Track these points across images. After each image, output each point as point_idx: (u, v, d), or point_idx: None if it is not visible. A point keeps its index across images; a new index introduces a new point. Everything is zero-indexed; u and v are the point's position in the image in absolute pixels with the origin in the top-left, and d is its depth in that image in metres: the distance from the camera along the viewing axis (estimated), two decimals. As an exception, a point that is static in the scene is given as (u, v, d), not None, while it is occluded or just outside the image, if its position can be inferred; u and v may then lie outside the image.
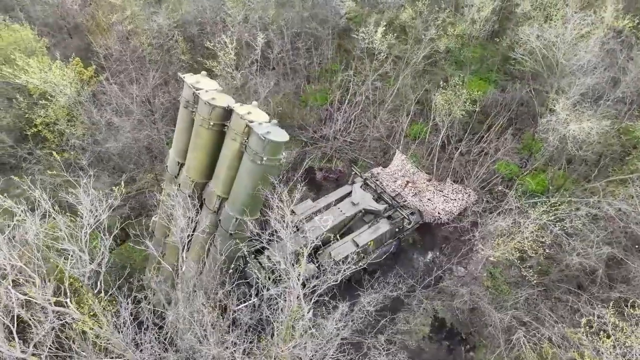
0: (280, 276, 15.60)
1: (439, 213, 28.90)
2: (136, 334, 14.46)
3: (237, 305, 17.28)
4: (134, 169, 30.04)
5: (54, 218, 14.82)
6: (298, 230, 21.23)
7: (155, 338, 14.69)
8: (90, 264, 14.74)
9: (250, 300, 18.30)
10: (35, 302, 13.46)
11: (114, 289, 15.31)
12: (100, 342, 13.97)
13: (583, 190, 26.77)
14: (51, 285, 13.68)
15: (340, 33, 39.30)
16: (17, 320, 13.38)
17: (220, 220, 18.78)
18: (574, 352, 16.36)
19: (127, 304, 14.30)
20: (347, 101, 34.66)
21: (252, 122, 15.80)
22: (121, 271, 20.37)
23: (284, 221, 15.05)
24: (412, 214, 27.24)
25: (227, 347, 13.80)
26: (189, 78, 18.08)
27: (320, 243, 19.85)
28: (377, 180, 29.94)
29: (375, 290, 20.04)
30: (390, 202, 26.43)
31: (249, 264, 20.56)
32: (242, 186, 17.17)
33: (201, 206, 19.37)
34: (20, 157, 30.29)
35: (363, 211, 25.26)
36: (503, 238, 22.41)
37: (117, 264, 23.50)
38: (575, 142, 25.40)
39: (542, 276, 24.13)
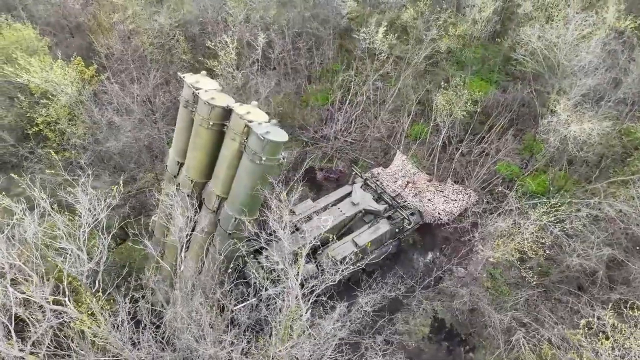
0: (278, 276, 15.60)
1: (439, 213, 28.86)
2: (133, 333, 14.47)
3: (236, 305, 17.27)
4: (135, 169, 30.08)
5: (52, 217, 14.85)
6: (297, 230, 21.25)
7: (153, 337, 14.70)
8: (89, 262, 14.75)
9: (248, 300, 18.28)
10: (34, 301, 13.49)
11: (112, 288, 15.33)
12: (99, 341, 13.99)
13: (584, 192, 26.70)
14: (49, 284, 13.71)
15: (342, 33, 39.29)
16: (15, 319, 13.43)
17: (219, 220, 18.79)
18: (573, 353, 16.33)
19: (125, 303, 14.31)
20: (348, 101, 34.65)
21: (251, 122, 15.79)
22: (121, 270, 20.42)
23: (282, 221, 15.03)
24: (412, 214, 27.21)
25: (224, 347, 13.79)
26: (189, 78, 18.08)
27: (319, 243, 19.83)
28: (377, 180, 29.93)
29: (373, 290, 20.01)
30: (390, 203, 26.41)
31: (248, 264, 20.56)
32: (241, 186, 17.17)
33: (200, 206, 19.38)
34: (22, 156, 30.39)
35: (363, 211, 25.25)
36: (503, 239, 22.38)
37: (117, 263, 23.54)
38: (576, 143, 25.35)
39: (542, 277, 24.10)
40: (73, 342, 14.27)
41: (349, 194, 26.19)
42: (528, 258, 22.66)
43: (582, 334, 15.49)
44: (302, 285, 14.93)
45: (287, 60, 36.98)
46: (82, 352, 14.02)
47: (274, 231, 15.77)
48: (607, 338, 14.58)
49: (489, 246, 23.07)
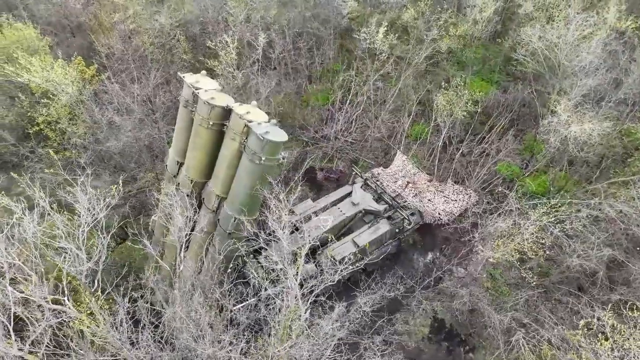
0: (278, 276, 15.59)
1: (439, 214, 28.84)
2: (132, 333, 14.48)
3: (235, 305, 17.27)
4: (135, 168, 30.10)
5: (52, 216, 14.86)
6: (297, 230, 21.23)
7: (151, 337, 14.70)
8: (88, 262, 14.76)
9: (248, 299, 18.27)
10: (33, 300, 13.50)
11: (111, 288, 15.33)
12: (98, 341, 14.00)
13: (584, 192, 26.67)
14: (48, 284, 13.73)
15: (342, 33, 39.29)
16: (15, 319, 13.44)
17: (219, 219, 18.79)
18: (573, 354, 16.30)
19: (124, 302, 14.31)
20: (348, 101, 34.65)
21: (250, 121, 15.79)
22: (121, 270, 20.43)
23: (281, 221, 15.02)
24: (412, 214, 27.18)
25: (223, 347, 13.80)
26: (189, 77, 18.09)
27: (318, 243, 19.82)
28: (377, 180, 29.91)
29: (372, 290, 19.99)
30: (390, 203, 26.39)
31: (247, 264, 20.56)
32: (240, 186, 17.17)
33: (200, 206, 19.38)
34: (23, 156, 30.42)
35: (363, 211, 25.23)
36: (503, 239, 22.35)
37: (118, 263, 23.56)
38: (576, 143, 25.32)
39: (542, 278, 24.07)
40: (72, 342, 14.28)
41: (349, 194, 26.18)
42: (528, 258, 22.64)
43: (581, 335, 15.46)
44: (301, 285, 14.92)
45: (288, 60, 36.99)
46: (81, 351, 14.02)
47: (274, 231, 15.77)
48: (606, 339, 14.55)
49: (489, 246, 23.05)
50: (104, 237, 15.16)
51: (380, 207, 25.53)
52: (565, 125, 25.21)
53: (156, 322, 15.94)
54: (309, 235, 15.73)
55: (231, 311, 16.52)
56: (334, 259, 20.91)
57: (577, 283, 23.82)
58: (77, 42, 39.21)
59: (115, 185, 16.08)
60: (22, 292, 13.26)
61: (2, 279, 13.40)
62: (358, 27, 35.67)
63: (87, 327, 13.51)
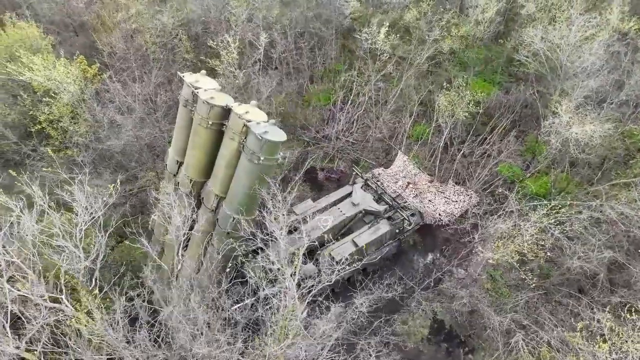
0: (276, 276, 15.57)
1: (439, 214, 28.77)
2: (129, 331, 14.49)
3: (233, 304, 17.26)
4: (136, 167, 30.15)
5: (50, 215, 14.89)
6: (296, 230, 21.22)
7: (148, 336, 14.71)
8: (85, 260, 14.78)
9: (245, 299, 18.27)
10: (30, 298, 13.53)
11: (108, 286, 15.35)
12: (95, 339, 14.01)
13: (586, 194, 26.55)
14: (45, 282, 13.75)
15: (344, 33, 39.27)
16: (13, 317, 13.47)
17: (217, 219, 18.80)
18: (572, 356, 16.24)
19: (121, 301, 14.33)
20: (350, 101, 34.62)
21: (249, 121, 15.79)
22: (119, 268, 20.45)
23: (279, 222, 15.01)
24: (412, 215, 27.12)
25: (219, 346, 13.79)
26: (189, 77, 18.13)
27: (317, 243, 19.81)
28: (378, 180, 29.86)
29: (370, 291, 19.95)
30: (390, 203, 26.34)
31: (245, 264, 20.54)
32: (239, 185, 17.18)
33: (199, 205, 19.40)
34: (24, 154, 30.49)
35: (363, 212, 25.18)
36: (503, 240, 22.27)
37: (117, 262, 23.57)
38: (578, 145, 25.21)
39: (542, 279, 23.98)
40: (70, 340, 14.30)
41: (349, 194, 26.15)
42: (528, 260, 22.53)
43: (580, 337, 15.38)
44: (299, 286, 14.91)
45: (289, 60, 36.98)
46: (79, 349, 14.04)
47: (271, 231, 15.76)
48: (604, 341, 14.48)
49: (489, 248, 22.97)
50: (102, 236, 15.18)
51: (381, 208, 25.48)
52: (567, 127, 25.11)
53: (152, 321, 15.96)
54: (308, 236, 15.72)
55: (228, 311, 16.51)
56: (333, 259, 20.91)
57: (578, 285, 23.71)
58: (79, 41, 39.35)
59: (113, 185, 16.10)
60: (19, 290, 13.28)
61: (0, 277, 13.43)
62: (360, 27, 35.64)
63: (85, 325, 13.53)
